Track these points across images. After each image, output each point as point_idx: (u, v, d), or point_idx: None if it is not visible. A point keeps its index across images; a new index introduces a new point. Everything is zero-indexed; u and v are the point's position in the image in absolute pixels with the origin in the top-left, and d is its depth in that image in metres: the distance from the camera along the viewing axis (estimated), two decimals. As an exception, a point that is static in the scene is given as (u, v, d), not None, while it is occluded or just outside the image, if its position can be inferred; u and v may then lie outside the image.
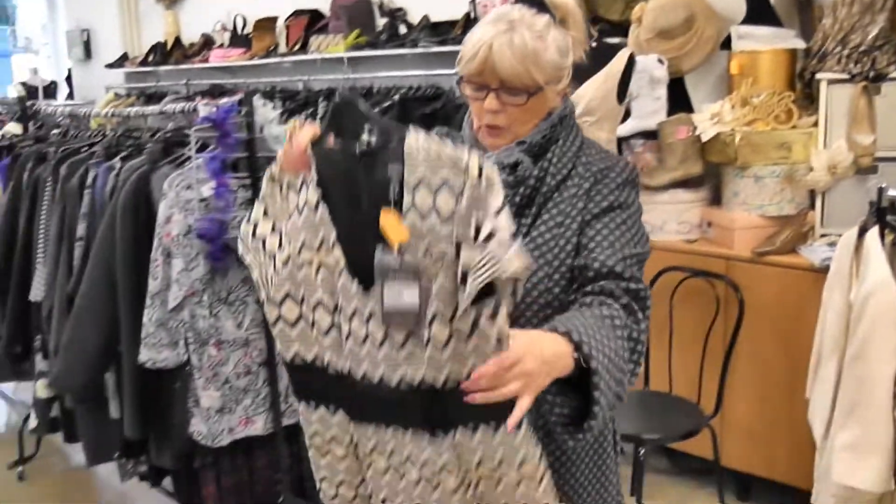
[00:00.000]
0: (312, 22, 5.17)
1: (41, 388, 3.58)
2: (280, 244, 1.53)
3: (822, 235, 3.13)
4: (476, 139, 1.63)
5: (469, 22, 4.33)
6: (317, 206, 1.48)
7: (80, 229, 2.97)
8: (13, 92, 6.57)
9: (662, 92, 3.51)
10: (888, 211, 2.23)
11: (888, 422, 2.18)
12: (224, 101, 2.56)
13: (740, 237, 3.24)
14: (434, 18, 4.49)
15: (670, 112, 3.56)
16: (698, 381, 3.29)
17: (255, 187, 2.61)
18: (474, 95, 1.57)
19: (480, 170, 1.35)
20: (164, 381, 2.70)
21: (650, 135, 3.55)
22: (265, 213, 1.56)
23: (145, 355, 2.57)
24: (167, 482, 3.22)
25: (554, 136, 1.61)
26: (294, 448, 2.90)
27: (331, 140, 1.47)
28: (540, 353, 1.32)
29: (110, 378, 2.95)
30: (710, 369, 3.27)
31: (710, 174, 3.52)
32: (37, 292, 3.29)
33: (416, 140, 1.39)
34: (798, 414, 2.83)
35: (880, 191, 2.22)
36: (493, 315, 1.33)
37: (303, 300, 1.53)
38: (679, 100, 3.64)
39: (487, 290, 1.33)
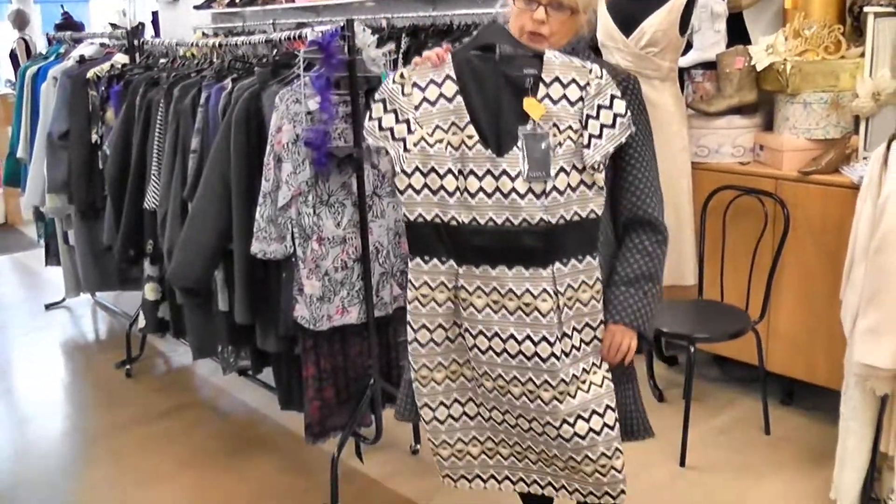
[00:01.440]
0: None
1: (149, 291, 4.00)
2: (409, 129, 2.03)
3: (864, 158, 3.38)
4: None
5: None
6: (453, 97, 2.02)
7: (194, 143, 3.35)
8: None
9: (722, 25, 3.76)
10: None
11: (904, 306, 2.48)
12: (329, 27, 2.90)
13: (789, 158, 3.51)
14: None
15: (729, 44, 3.82)
16: (747, 290, 3.59)
17: (354, 102, 2.95)
18: (524, 7, 2.03)
19: (602, 71, 1.98)
20: (270, 272, 3.10)
21: (709, 65, 3.82)
22: (385, 108, 2.04)
23: (256, 247, 2.95)
24: (264, 376, 3.63)
25: (575, 52, 2.07)
26: (384, 339, 3.28)
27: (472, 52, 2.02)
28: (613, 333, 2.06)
29: (219, 274, 3.34)
30: (757, 280, 3.56)
31: (764, 101, 3.77)
32: (151, 201, 3.69)
33: (553, 53, 1.99)
34: (837, 322, 3.07)
35: (910, 104, 2.50)
36: (601, 170, 1.98)
37: (431, 170, 2.02)
38: (737, 33, 3.89)
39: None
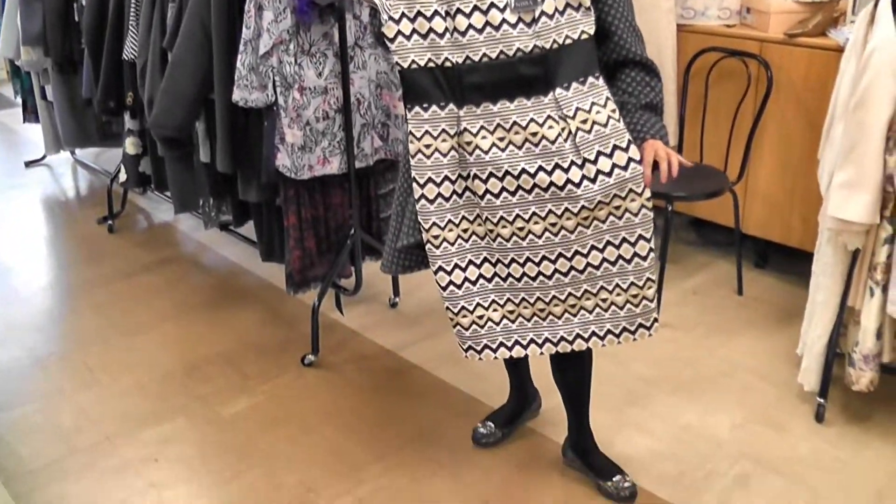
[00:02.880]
0: None
1: (130, 145, 3.98)
2: None
3: (852, 21, 3.36)
4: None
5: None
6: None
7: (173, -9, 3.28)
8: None
9: None
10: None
11: (879, 162, 2.49)
12: None
13: (775, 21, 3.48)
14: None
15: None
16: (726, 152, 3.62)
17: (336, -52, 2.89)
18: None
19: None
20: (252, 121, 3.08)
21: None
22: None
23: (238, 95, 2.93)
24: (245, 231, 3.65)
25: None
26: (364, 191, 3.30)
27: None
28: (654, 147, 2.05)
29: (200, 126, 3.32)
30: (737, 142, 3.59)
31: (753, -38, 3.71)
32: (130, 51, 3.63)
33: None
34: (814, 183, 3.10)
35: (896, -39, 2.47)
36: None
37: (417, 15, 1.99)
38: None
39: None
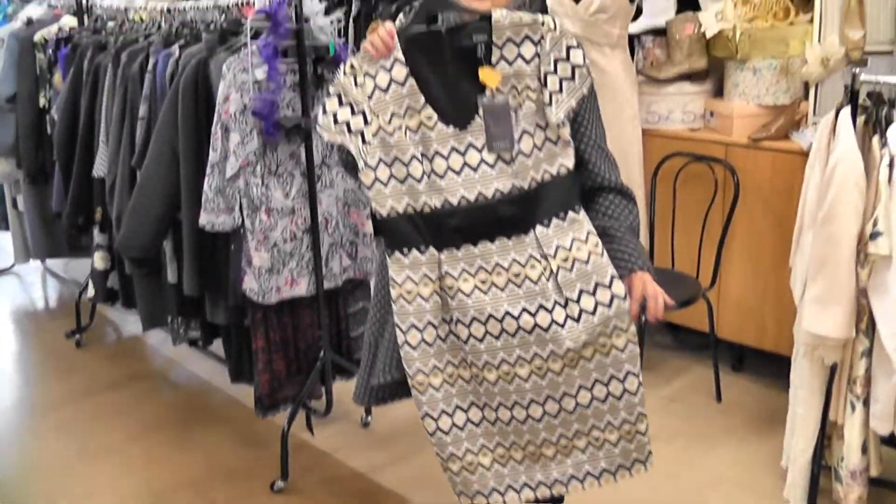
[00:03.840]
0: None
1: (99, 260, 3.93)
2: (366, 121, 1.98)
3: (814, 123, 3.40)
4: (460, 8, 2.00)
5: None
6: (405, 81, 1.98)
7: (142, 110, 3.29)
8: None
9: (673, -9, 3.76)
10: (860, 94, 2.52)
11: (851, 276, 2.49)
12: (275, -8, 2.85)
13: (739, 125, 3.52)
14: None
15: (678, 11, 3.81)
16: (697, 257, 3.62)
17: (302, 71, 2.91)
18: None
19: (554, 23, 1.96)
20: (219, 244, 3.06)
21: (659, 31, 3.81)
22: (340, 102, 1.98)
23: (205, 219, 2.91)
24: (215, 347, 3.60)
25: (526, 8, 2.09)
26: (334, 310, 3.26)
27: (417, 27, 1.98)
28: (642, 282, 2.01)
29: (167, 245, 3.30)
30: (708, 246, 3.59)
31: (714, 68, 3.77)
32: (100, 168, 3.63)
33: (500, 14, 1.95)
34: (786, 287, 3.10)
35: (854, 75, 2.50)
36: (566, 124, 1.98)
37: (395, 160, 1.98)
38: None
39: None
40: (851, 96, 2.51)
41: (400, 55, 1.98)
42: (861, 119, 2.54)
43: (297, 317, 3.17)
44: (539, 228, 1.98)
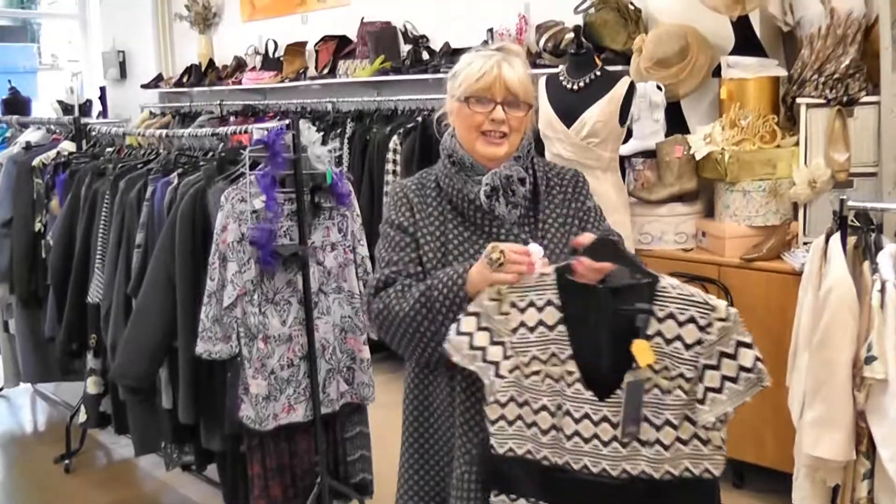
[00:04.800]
0: (340, 47, 5.53)
1: (91, 385, 3.90)
2: (505, 355, 1.83)
3: (804, 243, 3.45)
4: (458, 162, 2.00)
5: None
6: (554, 326, 1.81)
7: (139, 237, 3.31)
8: (51, 110, 6.93)
9: (661, 115, 3.85)
10: (848, 219, 2.57)
11: (848, 399, 2.49)
12: (274, 124, 2.91)
13: (731, 245, 3.57)
14: (454, 45, 4.85)
15: (668, 133, 3.90)
16: (693, 376, 3.61)
17: (299, 200, 2.95)
18: (480, 110, 1.94)
19: (728, 311, 1.74)
20: (215, 372, 3.05)
21: (649, 154, 3.89)
22: (479, 325, 1.83)
23: (202, 347, 2.91)
24: (209, 471, 3.54)
25: (531, 151, 2.06)
26: (331, 435, 3.23)
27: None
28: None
29: (163, 372, 3.28)
30: (703, 366, 3.58)
31: (704, 189, 3.85)
32: (95, 295, 3.63)
33: (670, 283, 1.78)
34: (784, 405, 3.10)
35: (842, 202, 2.55)
36: (715, 427, 1.75)
37: (525, 403, 1.83)
38: (676, 122, 3.98)
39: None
40: (840, 222, 2.55)
41: (556, 298, 1.81)
42: (851, 242, 2.58)
43: (293, 442, 3.14)
44: None
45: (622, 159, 3.87)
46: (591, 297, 1.78)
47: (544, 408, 1.83)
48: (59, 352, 3.98)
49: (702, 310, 1.73)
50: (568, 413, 1.80)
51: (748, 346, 1.73)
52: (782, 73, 3.63)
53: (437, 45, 5.07)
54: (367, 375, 3.19)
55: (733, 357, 1.72)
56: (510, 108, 1.95)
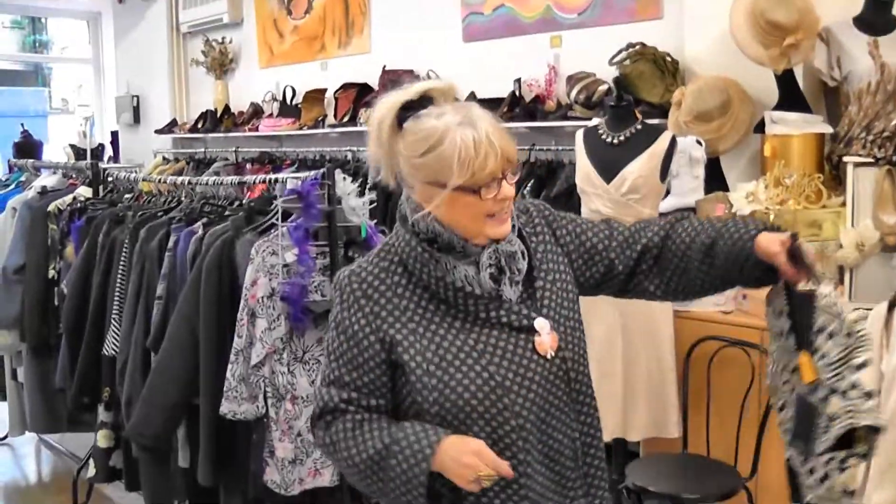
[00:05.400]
0: (361, 94, 5.45)
1: (102, 438, 3.75)
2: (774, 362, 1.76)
3: (855, 310, 3.31)
4: (444, 247, 1.66)
5: (515, 100, 4.58)
6: (787, 335, 1.69)
7: (160, 289, 3.19)
8: (63, 154, 6.86)
9: (700, 171, 3.73)
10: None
11: (922, 481, 2.36)
12: (309, 174, 2.79)
13: (774, 308, 3.43)
14: (480, 95, 4.76)
15: (707, 190, 3.78)
16: (735, 445, 3.46)
17: (333, 254, 2.83)
18: (489, 196, 1.60)
19: (853, 326, 1.58)
20: (238, 432, 2.90)
21: (689, 211, 3.77)
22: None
23: (226, 407, 2.76)
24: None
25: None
26: (356, 499, 3.07)
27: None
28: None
29: (181, 429, 3.14)
30: (746, 433, 3.43)
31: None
32: (111, 346, 3.49)
33: (826, 288, 1.62)
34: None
35: (909, 269, 2.43)
36: (842, 468, 1.56)
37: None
38: (714, 178, 3.86)
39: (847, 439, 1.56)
40: (904, 292, 2.42)
41: (786, 305, 1.68)
42: (913, 312, 2.45)
43: (318, 509, 2.99)
44: None
45: (661, 216, 3.75)
46: (799, 302, 1.64)
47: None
48: (70, 404, 3.85)
49: (837, 323, 1.57)
50: None
51: (860, 366, 1.55)
52: (828, 129, 3.52)
53: (461, 95, 4.98)
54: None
55: (852, 386, 1.55)
56: (511, 174, 1.64)
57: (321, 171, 2.80)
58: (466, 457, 1.56)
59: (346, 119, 5.45)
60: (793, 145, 3.53)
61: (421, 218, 1.64)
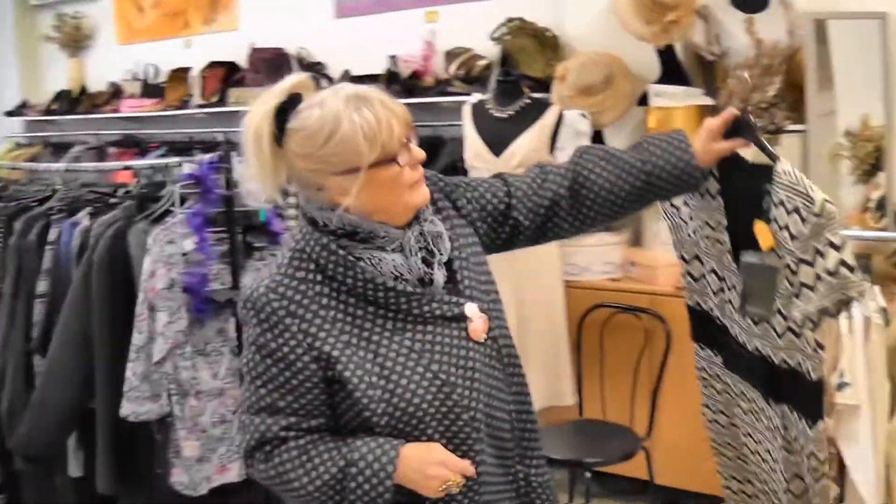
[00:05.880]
0: (229, 74, 5.28)
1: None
2: (690, 216, 2.00)
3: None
4: (366, 238, 1.58)
5: (392, 77, 4.53)
6: (715, 196, 1.89)
7: (42, 286, 3.00)
8: None
9: (586, 143, 3.80)
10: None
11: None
12: (206, 157, 2.68)
13: (664, 274, 3.55)
14: (354, 73, 4.69)
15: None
16: (630, 407, 3.57)
17: (232, 241, 2.73)
18: (407, 161, 1.56)
19: (823, 206, 1.67)
20: (139, 434, 2.77)
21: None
22: None
23: (128, 409, 2.63)
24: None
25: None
26: (262, 492, 3.00)
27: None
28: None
29: (72, 435, 2.98)
30: (641, 396, 3.54)
31: (631, 218, 3.81)
32: (-16, 351, 3.27)
33: (784, 167, 1.73)
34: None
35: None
36: (805, 325, 1.76)
37: (705, 263, 2.03)
38: (598, 150, 3.94)
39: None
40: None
41: (715, 168, 1.84)
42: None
43: (225, 505, 2.90)
44: (784, 408, 1.90)
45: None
46: (736, 171, 1.82)
47: (713, 270, 2.00)
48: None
49: (805, 202, 1.69)
50: (724, 280, 1.97)
51: (837, 247, 1.67)
52: (709, 101, 3.64)
53: (334, 73, 4.89)
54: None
55: (823, 256, 1.70)
56: (413, 139, 1.60)
57: (217, 153, 2.69)
58: (432, 468, 1.53)
59: (214, 99, 5.27)
60: (676, 117, 3.63)
61: (335, 215, 1.54)
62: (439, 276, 1.62)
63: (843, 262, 1.68)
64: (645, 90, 3.77)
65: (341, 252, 1.54)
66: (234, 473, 2.82)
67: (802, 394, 1.83)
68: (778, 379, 1.87)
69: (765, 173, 1.76)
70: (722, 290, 1.99)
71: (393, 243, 1.58)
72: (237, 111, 4.87)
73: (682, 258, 2.10)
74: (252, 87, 5.03)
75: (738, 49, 3.46)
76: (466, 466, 1.56)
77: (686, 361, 3.43)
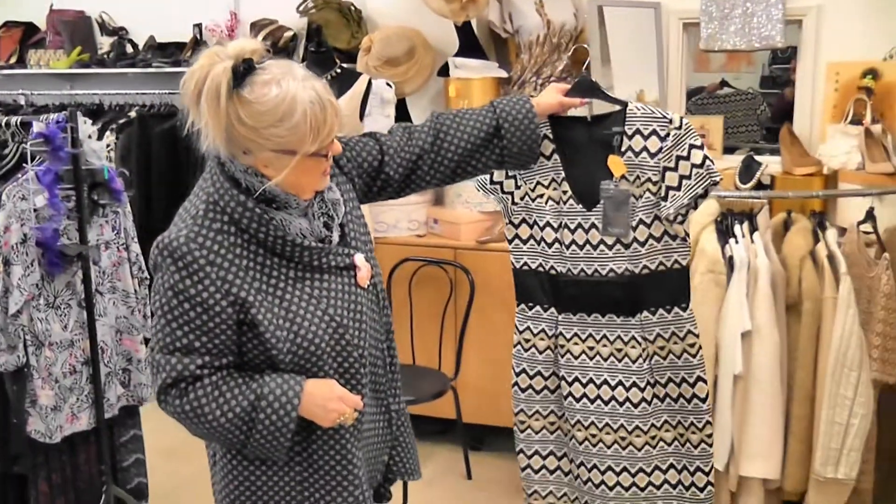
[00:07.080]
0: (27, 35, 5.12)
1: None
2: (517, 185, 2.36)
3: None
4: (283, 205, 1.73)
5: (198, 45, 4.60)
6: (550, 155, 2.28)
7: None
8: None
9: (391, 111, 4.08)
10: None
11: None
12: (53, 116, 2.74)
13: (466, 230, 3.93)
14: (159, 39, 4.72)
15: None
16: (438, 351, 3.93)
17: (79, 197, 2.81)
18: (330, 151, 1.70)
19: (681, 121, 2.19)
20: (-7, 386, 2.80)
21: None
22: None
23: (-15, 361, 2.67)
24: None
25: None
26: (108, 440, 3.10)
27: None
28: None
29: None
30: (448, 341, 3.92)
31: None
32: None
33: (636, 105, 2.23)
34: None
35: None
36: (680, 221, 2.21)
37: (534, 223, 2.33)
38: (401, 117, 4.25)
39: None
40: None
41: (549, 132, 2.25)
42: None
43: (74, 455, 3.00)
44: (645, 314, 2.26)
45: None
46: (576, 125, 2.27)
47: (548, 224, 2.30)
48: None
49: (661, 123, 2.19)
50: (566, 226, 2.28)
51: (699, 147, 2.16)
52: (504, 74, 4.05)
53: (138, 39, 4.88)
54: (145, 375, 3.11)
55: (687, 158, 2.16)
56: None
57: (63, 113, 2.76)
58: (332, 402, 1.72)
59: (11, 60, 5.09)
60: (474, 87, 4.02)
61: (260, 183, 1.67)
62: (335, 235, 1.82)
63: (706, 157, 2.17)
64: (445, 62, 4.13)
65: (258, 211, 1.68)
66: (84, 422, 2.90)
67: (672, 285, 2.26)
68: (637, 289, 2.26)
69: (613, 119, 2.23)
70: (558, 241, 2.31)
71: (300, 210, 1.76)
72: (33, 73, 4.85)
73: (511, 223, 2.41)
74: (53, 49, 4.92)
75: (530, 28, 3.89)
76: (359, 401, 1.76)
77: (490, 308, 3.86)
